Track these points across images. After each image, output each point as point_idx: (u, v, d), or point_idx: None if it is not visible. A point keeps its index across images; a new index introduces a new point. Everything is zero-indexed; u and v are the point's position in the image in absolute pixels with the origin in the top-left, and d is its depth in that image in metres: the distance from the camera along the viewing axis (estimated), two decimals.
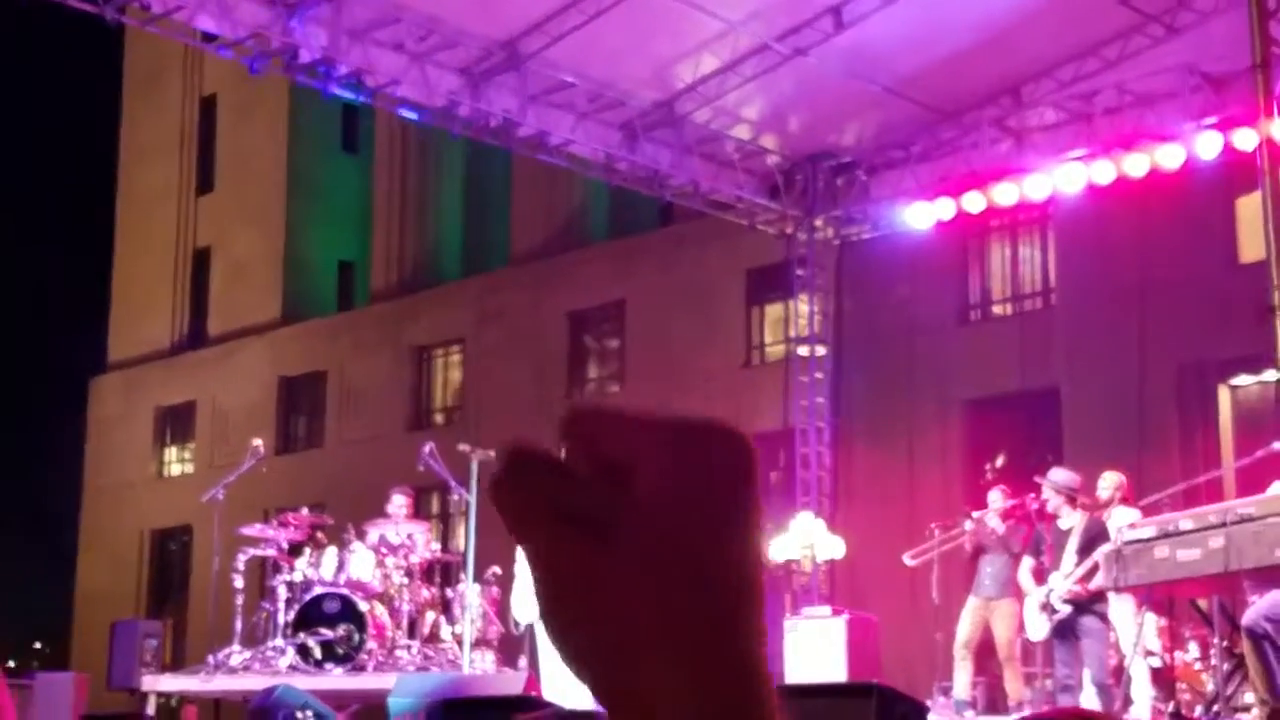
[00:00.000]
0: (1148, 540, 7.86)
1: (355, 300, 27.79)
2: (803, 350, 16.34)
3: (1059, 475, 10.27)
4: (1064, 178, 13.45)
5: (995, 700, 11.92)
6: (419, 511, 17.17)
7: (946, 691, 11.26)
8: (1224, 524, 7.38)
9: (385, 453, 22.88)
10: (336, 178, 28.21)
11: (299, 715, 7.76)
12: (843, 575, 16.30)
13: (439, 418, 24.27)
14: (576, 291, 22.01)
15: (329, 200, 28.09)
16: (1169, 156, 12.72)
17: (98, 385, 29.62)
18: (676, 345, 20.31)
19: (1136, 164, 12.89)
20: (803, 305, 16.34)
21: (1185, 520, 7.79)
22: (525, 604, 9.57)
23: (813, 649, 11.57)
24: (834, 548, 16.17)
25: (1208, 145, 12.45)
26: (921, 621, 13.36)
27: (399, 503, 11.74)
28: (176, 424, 28.05)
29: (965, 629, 11.02)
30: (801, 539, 15.95)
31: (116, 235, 30.39)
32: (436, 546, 12.16)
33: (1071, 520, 10.03)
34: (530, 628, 9.90)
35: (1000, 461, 17.50)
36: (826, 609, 12.82)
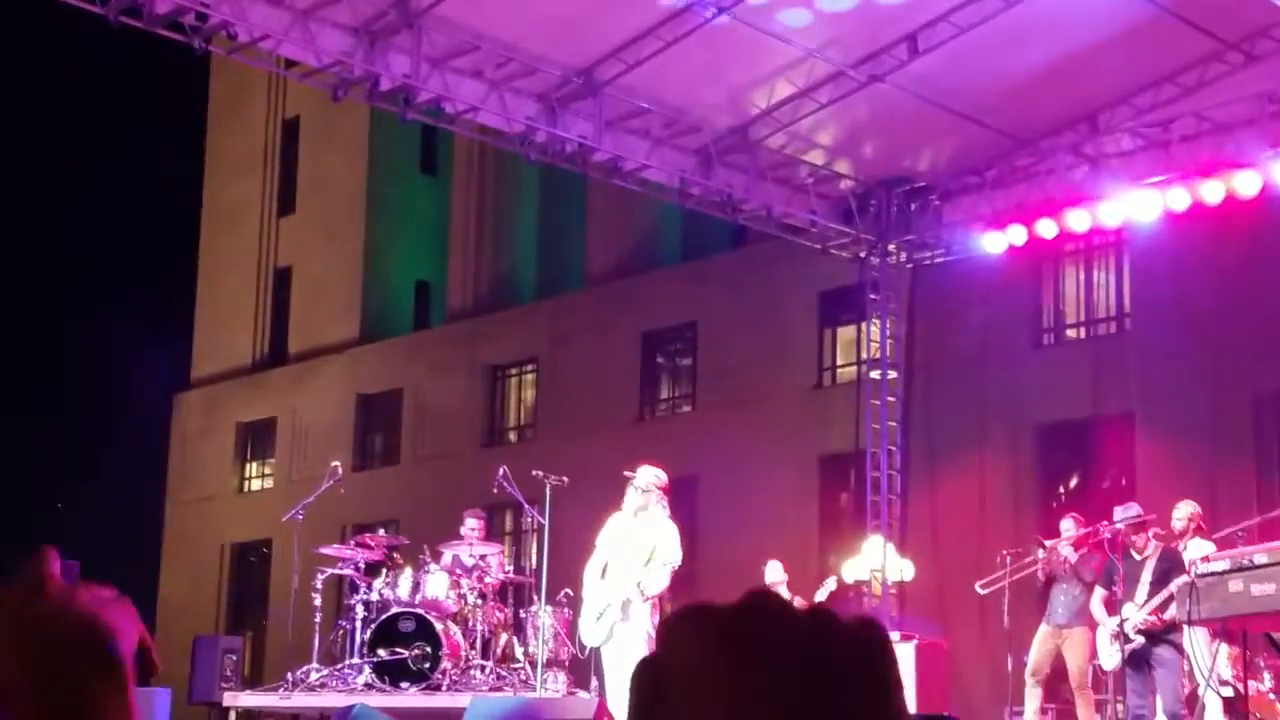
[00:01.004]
0: (1222, 574, 7.82)
1: (431, 320, 28.11)
2: (874, 373, 16.37)
3: (1121, 513, 10.22)
4: (1139, 204, 13.41)
5: None
6: (491, 531, 17.38)
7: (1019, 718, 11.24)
8: None
9: (459, 470, 23.14)
10: (414, 199, 28.59)
11: None
12: (912, 599, 16.28)
13: (512, 436, 24.49)
14: (649, 313, 22.14)
15: (407, 221, 28.46)
16: (1246, 184, 12.65)
17: (181, 401, 30.19)
18: (748, 366, 20.37)
19: (1213, 191, 12.83)
20: (875, 328, 16.36)
21: (1260, 554, 7.75)
22: (592, 628, 9.68)
23: None
24: (904, 570, 16.17)
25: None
26: (989, 647, 13.34)
27: (471, 525, 11.92)
28: (257, 440, 28.52)
29: (1036, 656, 11.00)
30: (871, 562, 15.96)
31: (200, 254, 30.99)
32: (510, 568, 12.32)
33: (1146, 550, 10.00)
34: (596, 651, 10.01)
35: (1074, 485, 17.40)
36: (896, 634, 12.84)
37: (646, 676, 0.70)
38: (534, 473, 10.52)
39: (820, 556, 18.52)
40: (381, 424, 26.31)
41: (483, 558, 11.62)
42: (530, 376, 24.32)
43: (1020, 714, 11.25)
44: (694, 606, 0.71)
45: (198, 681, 12.30)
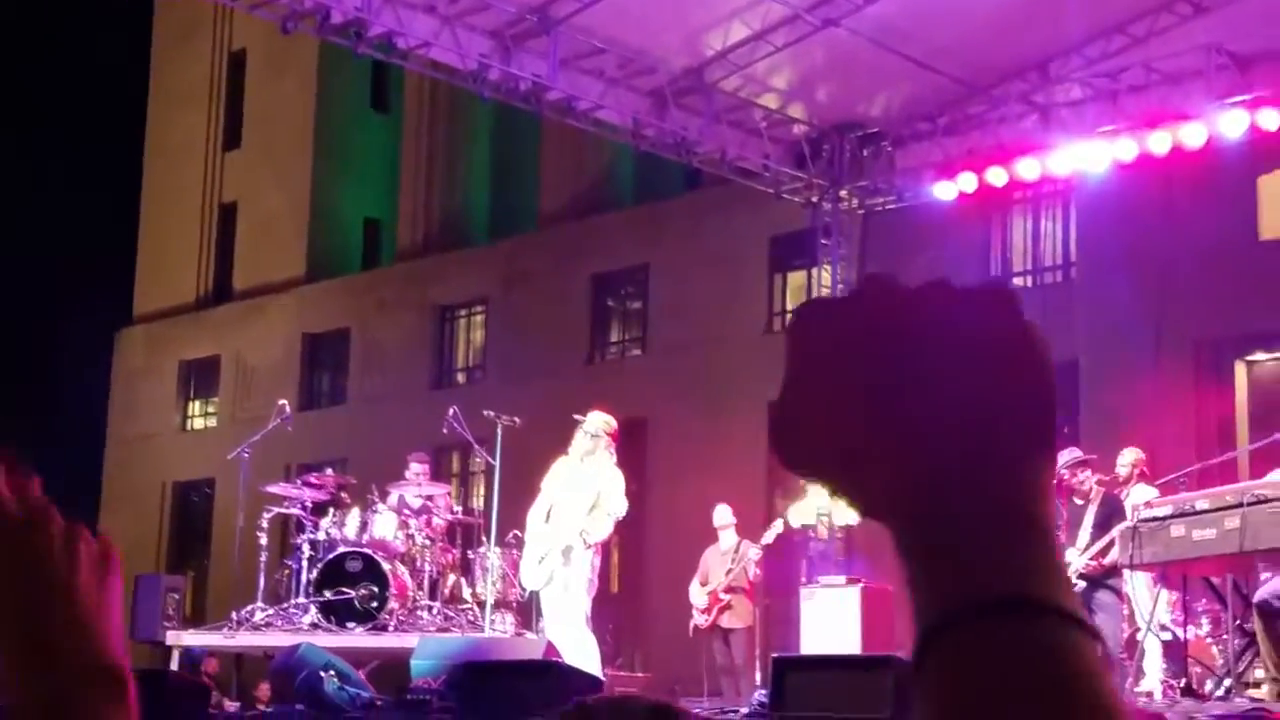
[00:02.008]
0: (1164, 519, 7.95)
1: (380, 259, 27.91)
2: None
3: (1063, 457, 10.32)
4: (1088, 154, 13.47)
5: None
6: (438, 473, 17.35)
7: None
8: (1240, 505, 7.47)
9: (407, 411, 23.06)
10: (364, 136, 28.27)
11: (322, 674, 7.92)
12: (859, 544, 16.42)
13: (461, 378, 24.42)
14: (601, 255, 22.08)
15: (356, 158, 28.16)
16: (1193, 135, 12.72)
17: (123, 337, 29.86)
18: (699, 310, 20.39)
19: (1160, 141, 12.90)
20: (826, 274, 16.39)
21: (1201, 500, 7.87)
22: (533, 571, 9.70)
23: (828, 618, 11.71)
24: (850, 515, 16.28)
25: (1232, 124, 12.46)
26: None
27: (415, 470, 11.86)
28: (201, 378, 28.27)
29: None
30: (818, 505, 16.08)
31: (144, 188, 30.54)
32: (458, 509, 12.32)
33: (1090, 496, 10.11)
34: (535, 595, 10.04)
35: None
36: (842, 578, 12.95)
37: (790, 357, 0.73)
38: (485, 413, 10.50)
39: (769, 500, 18.63)
40: (328, 363, 26.16)
41: (430, 498, 11.61)
42: (480, 318, 24.23)
43: None
44: (817, 299, 0.76)
45: (140, 620, 12.21)
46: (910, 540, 0.69)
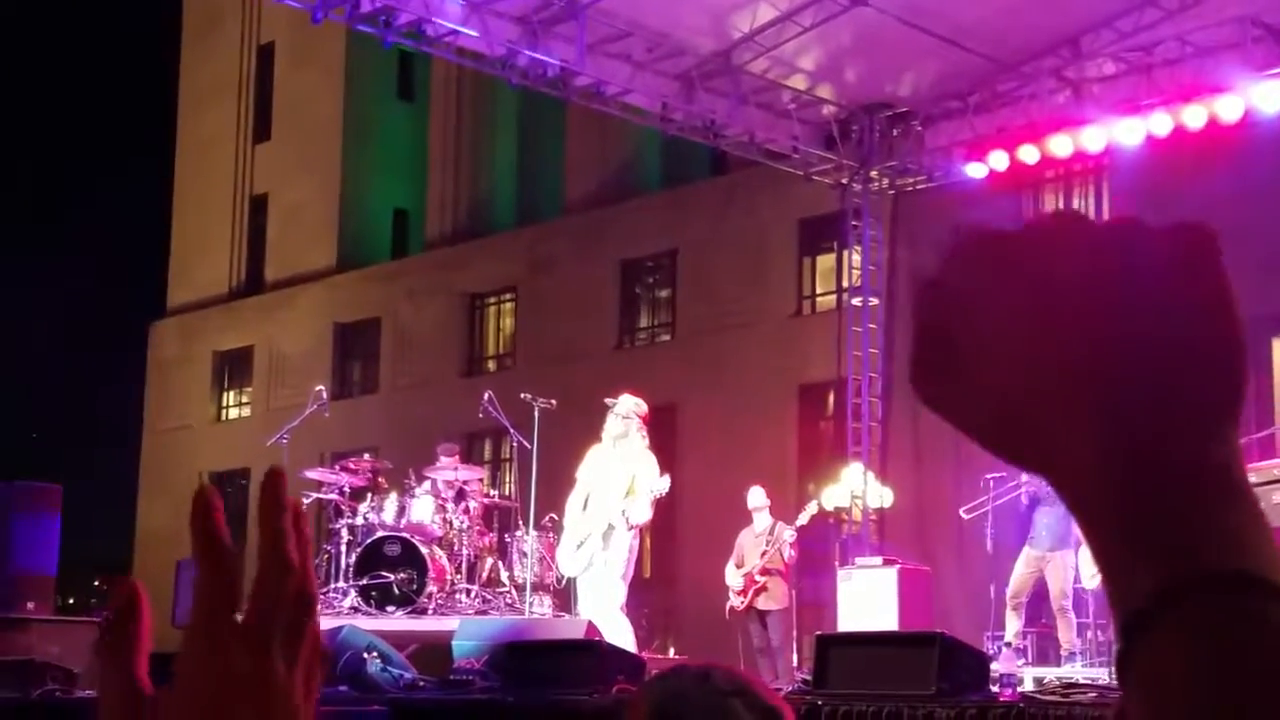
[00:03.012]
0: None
1: (409, 248, 27.98)
2: (856, 300, 16.37)
3: None
4: (1121, 129, 13.38)
5: (1046, 650, 12.02)
6: (469, 460, 17.39)
7: (1003, 642, 11.35)
8: None
9: (438, 399, 23.14)
10: (392, 125, 28.33)
11: (365, 655, 7.96)
12: (893, 526, 16.40)
13: (491, 365, 24.47)
14: (628, 241, 22.07)
15: (384, 148, 28.23)
16: (1228, 108, 12.62)
17: (157, 330, 30.04)
18: (728, 295, 20.36)
19: (1195, 116, 12.81)
20: (856, 256, 16.35)
21: (1250, 475, 7.79)
22: (571, 557, 9.72)
23: (865, 599, 11.70)
24: (884, 497, 16.27)
25: (1269, 97, 12.35)
26: (970, 572, 13.47)
27: (444, 462, 11.86)
28: (234, 368, 28.42)
29: (1017, 580, 11.11)
30: (851, 489, 16.06)
31: (175, 181, 30.70)
32: (494, 493, 12.35)
33: None
34: (572, 581, 10.07)
35: None
36: (878, 559, 12.94)
37: (941, 291, 0.67)
38: (522, 395, 10.53)
39: (799, 484, 18.62)
40: (360, 352, 26.26)
41: (465, 483, 11.64)
42: (509, 305, 24.27)
43: (1000, 638, 11.37)
44: (980, 231, 0.69)
45: (181, 605, 12.31)
46: (1101, 505, 0.63)
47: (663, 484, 9.68)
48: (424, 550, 10.75)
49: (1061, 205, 18.09)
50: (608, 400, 9.84)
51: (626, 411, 9.72)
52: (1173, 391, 0.62)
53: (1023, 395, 0.64)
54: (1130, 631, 0.60)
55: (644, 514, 9.62)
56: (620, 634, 9.14)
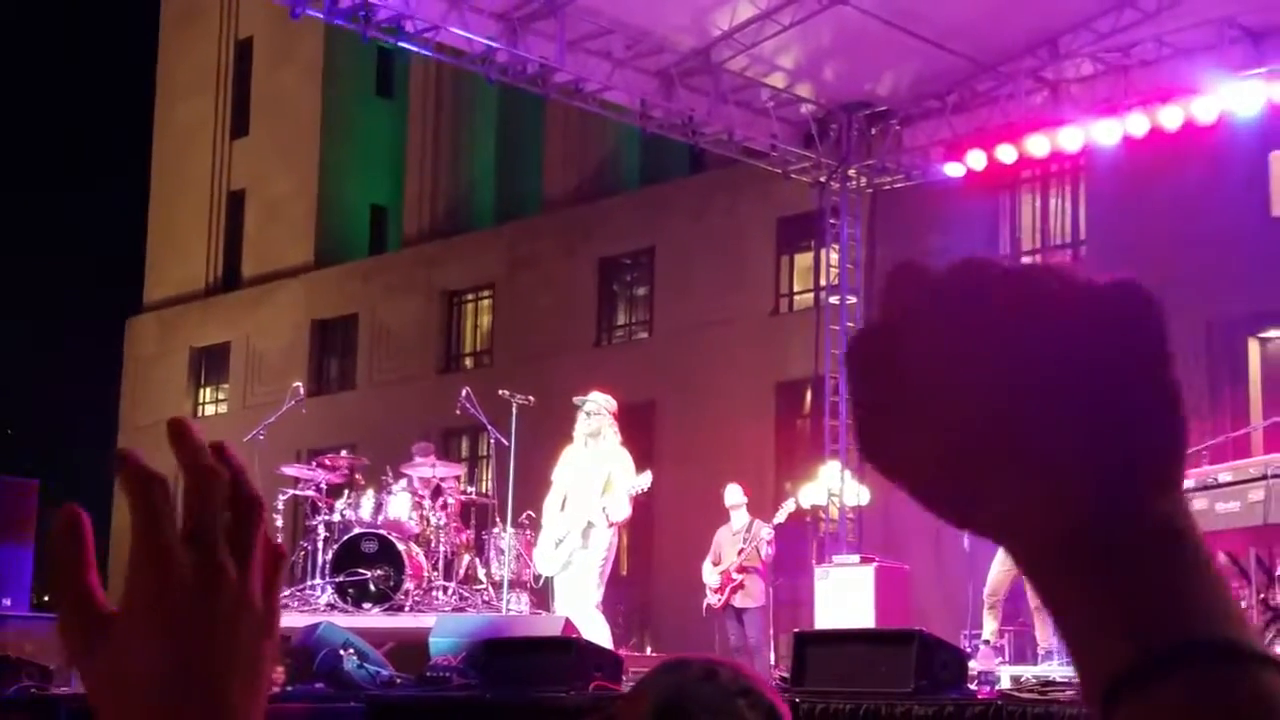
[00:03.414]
0: (1185, 492, 7.88)
1: (387, 244, 27.92)
2: (833, 299, 16.40)
3: None
4: (1098, 130, 13.43)
5: (1024, 649, 12.06)
6: (448, 457, 17.36)
7: (980, 640, 11.38)
8: (1264, 477, 7.41)
9: (415, 396, 23.10)
10: (370, 122, 28.27)
11: (342, 653, 7.94)
12: (870, 524, 16.43)
13: (469, 362, 24.45)
14: (607, 238, 22.07)
15: (363, 144, 28.17)
16: (1205, 109, 12.68)
17: (134, 326, 29.91)
18: (706, 293, 20.38)
19: (1172, 116, 12.86)
20: (834, 254, 16.37)
21: (1224, 473, 7.82)
22: (549, 556, 9.72)
23: (842, 597, 11.72)
24: (861, 495, 16.30)
25: (1245, 99, 12.41)
26: (946, 570, 13.52)
27: (422, 461, 11.82)
28: (211, 365, 28.32)
29: (994, 577, 11.14)
30: (829, 487, 16.09)
31: (153, 177, 30.56)
32: (471, 490, 12.33)
33: None
34: (550, 579, 10.06)
35: None
36: (855, 558, 12.96)
37: (873, 342, 0.65)
38: (500, 391, 10.51)
39: (777, 482, 18.65)
40: (337, 349, 26.20)
41: (441, 480, 11.62)
42: (487, 302, 24.25)
43: (977, 637, 11.41)
44: (917, 268, 0.66)
45: None
46: (1058, 569, 0.61)
47: (644, 481, 9.67)
48: (401, 547, 10.73)
49: (1038, 205, 18.16)
50: (576, 400, 9.83)
51: (597, 409, 9.71)
52: (1118, 450, 0.61)
53: (966, 455, 0.62)
54: (1114, 697, 0.59)
55: (623, 511, 9.61)
56: (597, 632, 9.14)
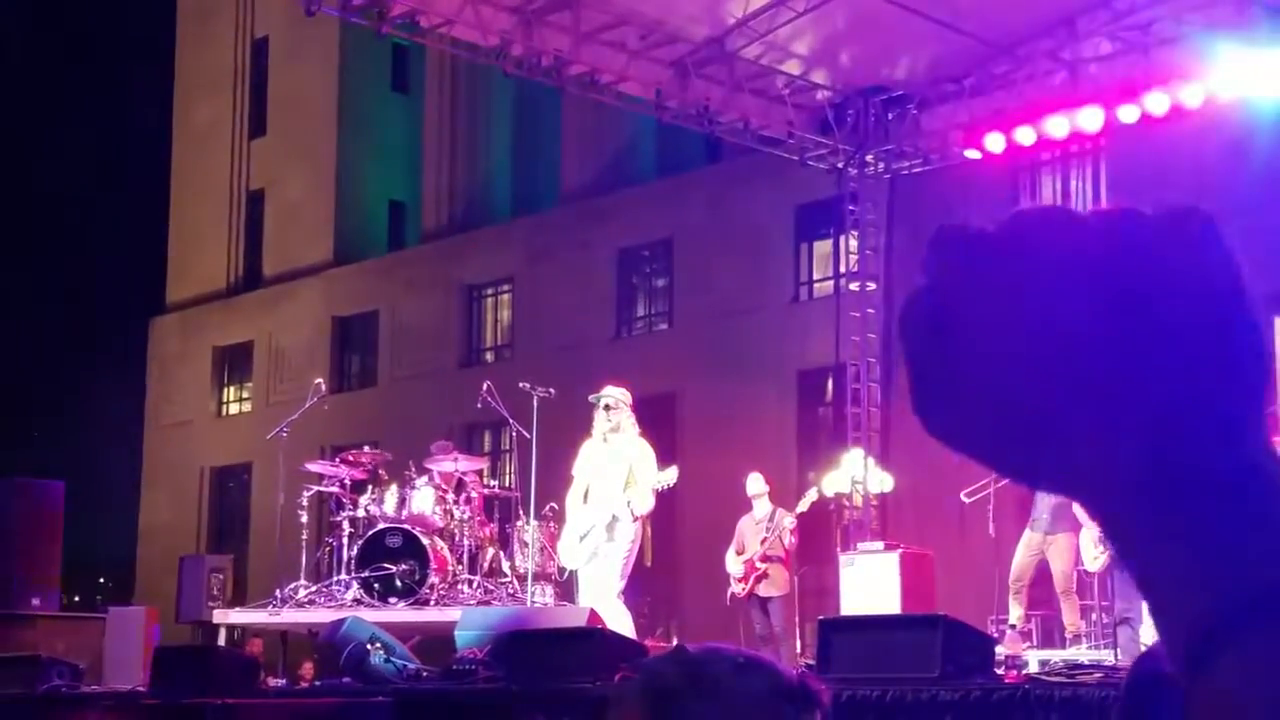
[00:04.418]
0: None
1: (406, 240, 27.97)
2: (853, 286, 16.36)
3: None
4: (1118, 110, 13.35)
5: (1051, 633, 12.02)
6: (470, 451, 17.36)
7: (1007, 625, 11.34)
8: None
9: (437, 390, 23.14)
10: (387, 118, 28.30)
11: (369, 647, 7.96)
12: (894, 510, 16.40)
13: (489, 356, 24.47)
14: (625, 230, 22.05)
15: (380, 140, 28.21)
16: (1225, 87, 12.59)
17: (157, 326, 30.04)
18: (725, 282, 20.35)
19: (1192, 95, 12.77)
20: (853, 240, 16.33)
21: None
22: (573, 550, 9.72)
23: (868, 584, 11.70)
24: (884, 482, 16.27)
25: (1267, 76, 12.32)
26: (971, 556, 13.47)
27: (443, 456, 11.79)
28: (234, 364, 28.43)
29: (1019, 563, 11.10)
30: (852, 474, 16.06)
31: (172, 177, 30.67)
32: (494, 483, 12.35)
33: None
34: (574, 574, 10.06)
35: None
36: (880, 544, 12.94)
37: (923, 307, 0.64)
38: (521, 384, 10.51)
39: (800, 470, 18.63)
40: (358, 345, 26.27)
41: (464, 474, 11.64)
42: (506, 295, 24.26)
43: (1004, 622, 11.37)
44: (959, 229, 0.64)
45: (184, 601, 12.32)
46: (1136, 517, 0.59)
47: (669, 476, 9.64)
48: (425, 541, 10.74)
49: (1059, 187, 18.08)
50: (592, 397, 9.82)
51: (615, 403, 9.70)
52: (1193, 384, 0.58)
53: (1033, 410, 0.59)
54: (1204, 651, 0.56)
55: (647, 504, 9.61)
56: (619, 621, 9.14)
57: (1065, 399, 0.59)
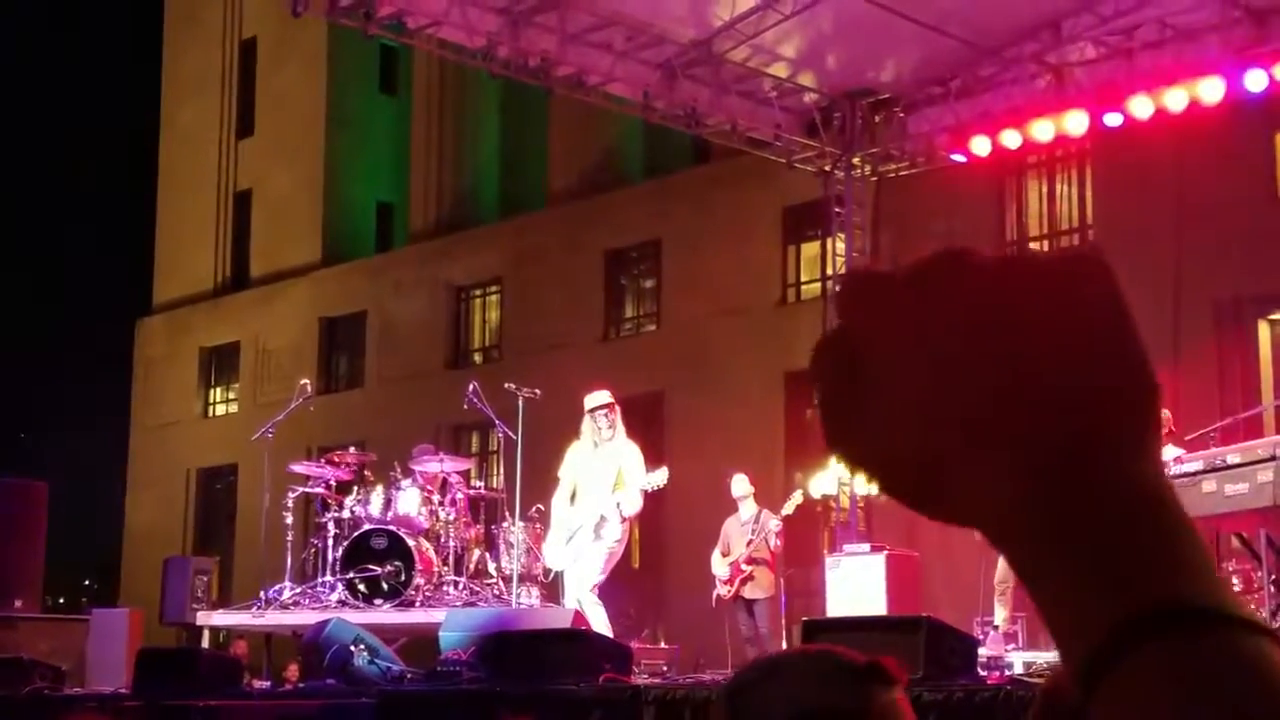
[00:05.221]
0: (1194, 474, 7.84)
1: (394, 241, 27.95)
2: None
3: None
4: (1103, 113, 13.39)
5: (1036, 635, 12.05)
6: (458, 451, 17.36)
7: (991, 626, 11.37)
8: (1273, 458, 7.36)
9: (425, 392, 23.11)
10: (374, 119, 28.29)
11: (352, 648, 7.96)
12: (880, 513, 16.42)
13: (477, 357, 24.46)
14: (613, 231, 22.06)
15: (367, 142, 28.19)
16: (1210, 91, 12.63)
17: (143, 326, 29.98)
18: (713, 284, 20.36)
19: (1176, 98, 12.81)
20: (840, 243, 16.35)
21: (1232, 454, 7.77)
22: (560, 552, 9.73)
23: (854, 585, 11.72)
24: (871, 485, 16.28)
25: (1251, 80, 12.36)
26: (955, 558, 13.49)
27: (425, 460, 11.77)
28: (221, 364, 28.38)
29: (1003, 566, 11.12)
30: (839, 476, 16.07)
31: (159, 177, 30.61)
32: (480, 484, 12.34)
33: None
34: (560, 575, 10.07)
35: None
36: (866, 546, 12.95)
37: (834, 349, 0.66)
38: (506, 385, 10.51)
39: (787, 472, 18.64)
40: (346, 346, 26.23)
41: (448, 475, 11.63)
42: (494, 297, 24.26)
43: (990, 623, 11.40)
44: (868, 273, 0.67)
45: (169, 603, 12.30)
46: (1031, 543, 0.60)
47: (659, 478, 9.66)
48: (410, 543, 10.74)
49: (1045, 190, 18.11)
50: (587, 403, 9.84)
51: (600, 405, 9.73)
52: (1084, 413, 0.60)
53: (931, 439, 0.62)
54: (1094, 670, 0.57)
55: (636, 504, 9.63)
56: (592, 613, 9.18)
57: (958, 430, 0.61)
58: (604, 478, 9.59)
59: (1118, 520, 0.59)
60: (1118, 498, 0.59)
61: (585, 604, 9.22)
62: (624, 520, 9.57)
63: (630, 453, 9.72)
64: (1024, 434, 0.60)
